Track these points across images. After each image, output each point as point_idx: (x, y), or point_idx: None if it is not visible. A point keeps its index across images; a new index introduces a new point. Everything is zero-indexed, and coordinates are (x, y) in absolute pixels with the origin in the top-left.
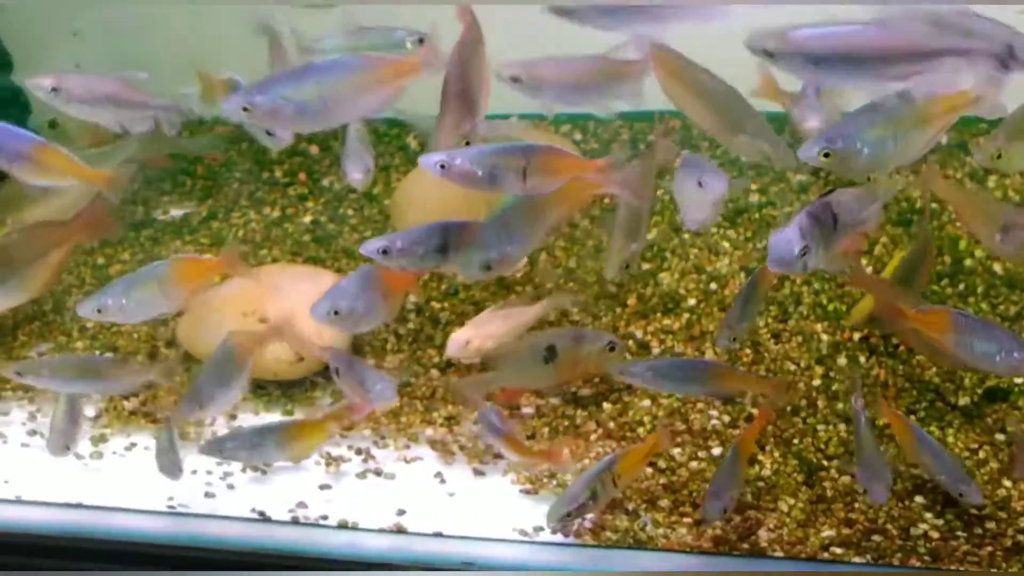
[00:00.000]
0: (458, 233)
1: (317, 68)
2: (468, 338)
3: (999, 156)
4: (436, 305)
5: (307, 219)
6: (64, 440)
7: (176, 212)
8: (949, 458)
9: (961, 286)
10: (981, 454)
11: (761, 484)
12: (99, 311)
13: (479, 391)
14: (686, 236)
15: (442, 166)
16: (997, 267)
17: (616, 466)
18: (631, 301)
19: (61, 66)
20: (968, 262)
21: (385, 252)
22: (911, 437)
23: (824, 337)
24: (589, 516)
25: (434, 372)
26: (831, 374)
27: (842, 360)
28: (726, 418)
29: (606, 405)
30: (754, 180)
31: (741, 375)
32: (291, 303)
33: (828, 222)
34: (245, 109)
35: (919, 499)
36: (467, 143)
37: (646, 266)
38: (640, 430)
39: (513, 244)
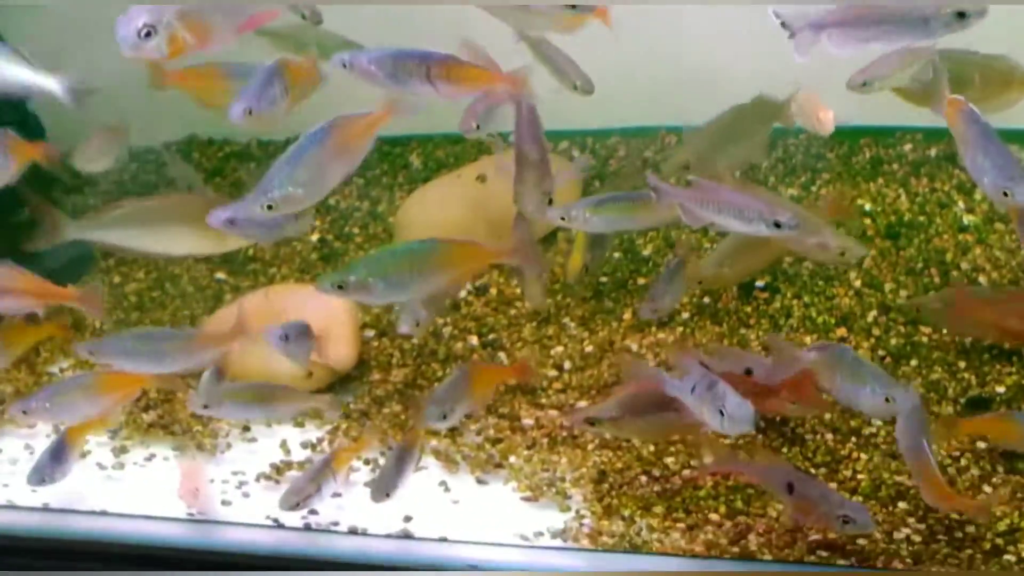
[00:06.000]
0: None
1: None
2: None
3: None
4: (439, 320)
5: (314, 237)
6: (387, 488)
7: None
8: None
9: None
10: (963, 461)
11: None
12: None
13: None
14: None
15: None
16: None
17: (333, 463)
18: (627, 315)
19: None
20: None
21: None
22: None
23: None
24: (586, 521)
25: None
26: None
27: None
28: None
29: None
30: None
31: None
32: None
33: None
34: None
35: (902, 505)
36: (550, 200)
37: (641, 281)
38: (635, 439)
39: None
